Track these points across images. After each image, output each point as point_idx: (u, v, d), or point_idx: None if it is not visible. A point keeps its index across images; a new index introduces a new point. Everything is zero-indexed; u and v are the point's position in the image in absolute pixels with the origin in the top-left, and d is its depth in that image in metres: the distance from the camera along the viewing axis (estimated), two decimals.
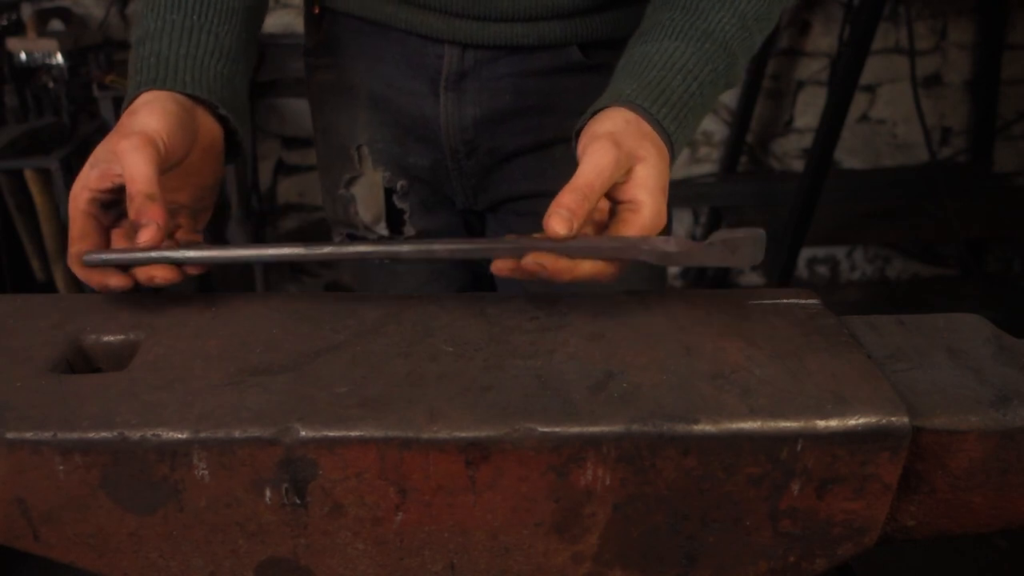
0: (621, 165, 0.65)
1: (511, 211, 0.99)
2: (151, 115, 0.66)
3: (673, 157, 0.71)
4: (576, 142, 0.73)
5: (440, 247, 0.67)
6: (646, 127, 0.69)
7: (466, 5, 0.84)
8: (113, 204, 0.68)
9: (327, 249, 0.67)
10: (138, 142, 0.63)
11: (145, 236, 0.63)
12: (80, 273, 0.65)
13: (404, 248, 0.67)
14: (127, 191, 0.63)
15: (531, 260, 0.64)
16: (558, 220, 0.61)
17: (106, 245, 0.67)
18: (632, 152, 0.66)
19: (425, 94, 0.91)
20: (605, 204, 0.69)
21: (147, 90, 0.68)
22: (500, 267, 0.66)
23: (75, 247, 0.65)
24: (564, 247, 0.63)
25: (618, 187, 0.66)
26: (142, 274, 0.65)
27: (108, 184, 0.65)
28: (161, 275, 0.65)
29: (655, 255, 0.64)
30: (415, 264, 0.64)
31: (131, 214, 0.63)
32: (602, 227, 0.69)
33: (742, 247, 0.64)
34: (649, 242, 0.64)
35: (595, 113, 0.71)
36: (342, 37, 0.95)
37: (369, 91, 0.94)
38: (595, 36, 0.88)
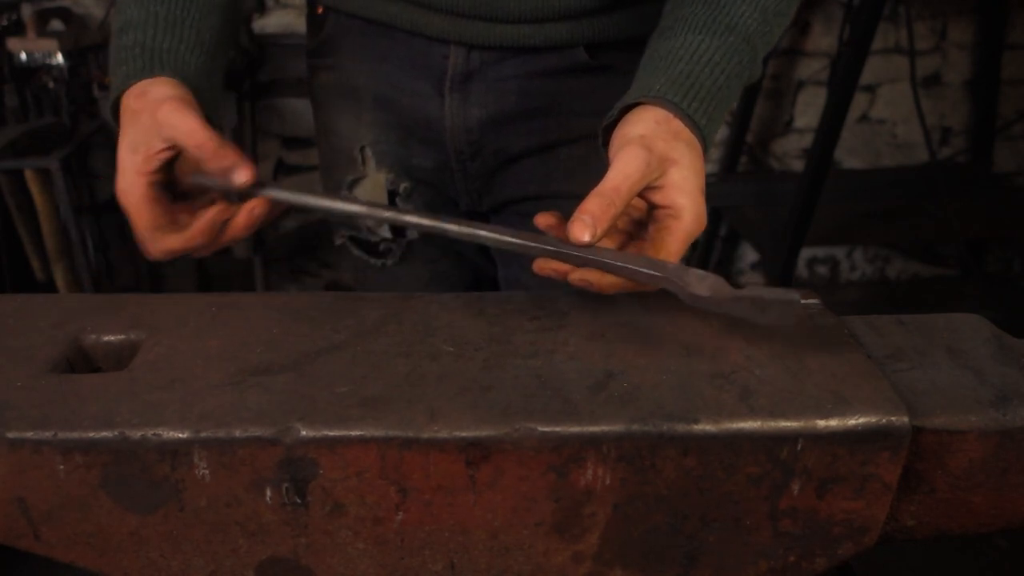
0: (652, 169, 0.64)
1: (515, 212, 0.98)
2: (166, 86, 0.67)
3: (705, 152, 0.70)
4: (603, 140, 0.72)
5: (485, 233, 0.66)
6: (677, 125, 0.68)
7: (472, 6, 0.84)
8: (164, 186, 0.68)
9: (388, 213, 0.68)
10: (178, 104, 0.64)
11: (246, 173, 0.64)
12: (163, 254, 0.67)
13: (451, 227, 0.67)
14: (190, 146, 0.64)
15: (578, 277, 0.64)
16: (580, 226, 0.61)
17: (177, 227, 0.67)
18: (665, 155, 0.65)
19: (430, 95, 0.91)
20: (641, 204, 0.68)
21: (135, 81, 0.69)
22: (542, 267, 0.66)
23: (151, 235, 0.66)
24: (604, 264, 0.63)
25: (655, 191, 0.66)
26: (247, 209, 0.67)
27: (156, 164, 0.65)
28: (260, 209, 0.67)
29: (686, 295, 0.63)
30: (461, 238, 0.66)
31: (210, 163, 0.64)
32: (640, 228, 0.69)
33: (772, 308, 0.62)
34: (685, 279, 0.62)
35: (624, 110, 0.70)
36: (345, 38, 0.94)
37: (373, 92, 0.94)
38: (601, 37, 0.88)
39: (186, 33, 0.73)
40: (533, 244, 0.65)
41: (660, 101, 0.68)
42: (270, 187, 0.67)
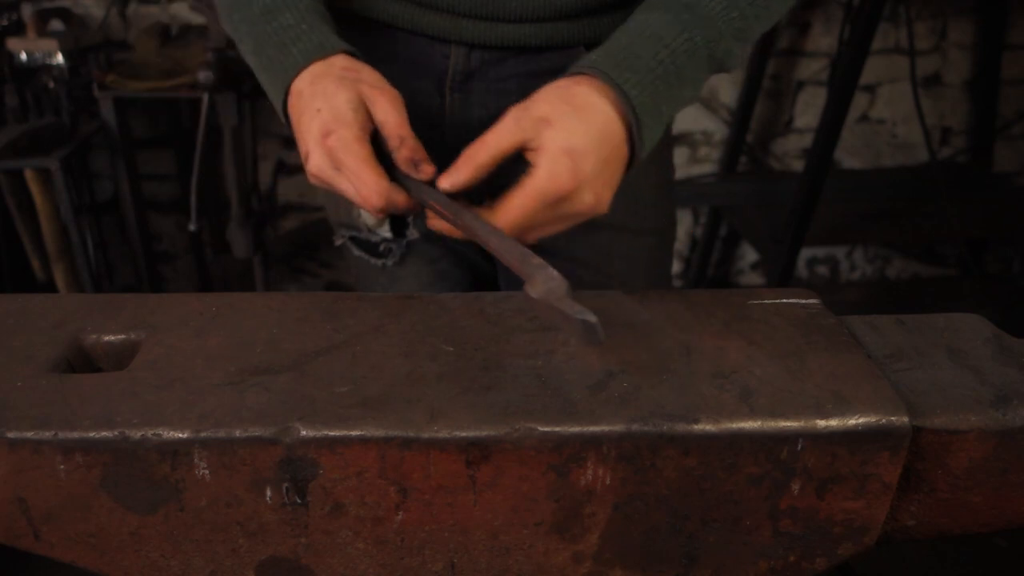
0: (523, 127, 0.67)
1: None
2: (368, 67, 0.75)
3: (641, 126, 0.70)
4: None
5: (427, 199, 0.72)
6: (580, 90, 0.68)
7: (473, 5, 0.84)
8: None
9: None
10: (393, 96, 0.73)
11: (429, 170, 0.72)
12: (389, 206, 0.72)
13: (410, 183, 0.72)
14: (393, 136, 0.71)
15: (434, 223, 0.72)
16: (443, 175, 0.69)
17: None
18: (541, 116, 0.67)
19: (431, 95, 0.91)
20: None
21: (318, 57, 0.74)
22: (432, 223, 0.73)
23: (383, 186, 0.69)
24: (487, 243, 0.67)
25: (530, 152, 0.68)
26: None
27: (369, 129, 0.72)
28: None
29: (526, 291, 0.62)
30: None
31: (401, 154, 0.71)
32: None
33: (576, 326, 0.58)
34: (533, 277, 0.62)
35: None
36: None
37: None
38: (602, 37, 0.88)
39: (324, 12, 0.79)
40: (444, 211, 0.70)
41: (591, 70, 0.70)
42: (433, 195, 0.72)
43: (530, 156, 0.68)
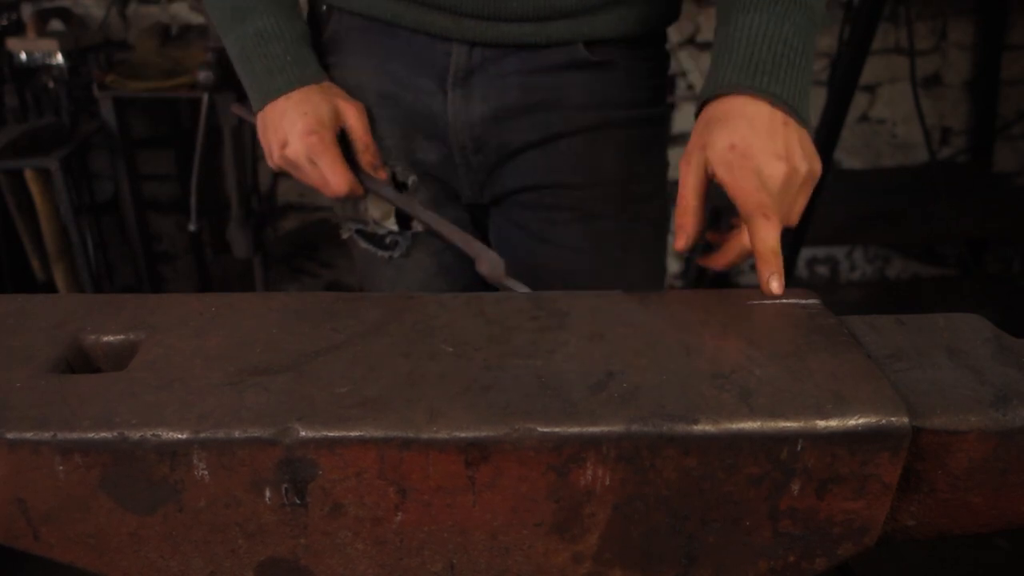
0: (690, 161, 0.74)
1: (516, 203, 1.00)
2: (338, 89, 0.94)
3: (798, 110, 0.74)
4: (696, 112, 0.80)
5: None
6: (728, 105, 0.74)
7: (475, 5, 0.86)
8: None
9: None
10: (360, 110, 0.93)
11: (384, 174, 0.96)
12: (350, 188, 0.93)
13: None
14: (358, 139, 0.93)
15: None
16: (677, 241, 0.75)
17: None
18: (699, 144, 0.74)
19: (433, 92, 0.92)
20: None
21: (298, 87, 0.91)
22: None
23: (345, 170, 0.91)
24: (440, 232, 0.96)
25: (710, 172, 0.73)
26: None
27: (336, 130, 0.92)
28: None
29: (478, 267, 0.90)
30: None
31: (362, 156, 0.94)
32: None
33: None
34: (481, 256, 0.91)
35: (702, 105, 0.77)
36: (348, 35, 0.95)
37: (376, 89, 0.95)
38: (601, 34, 0.90)
39: (306, 44, 0.94)
40: (395, 202, 0.96)
41: (732, 89, 0.74)
42: (384, 189, 0.95)
43: (712, 174, 0.73)
